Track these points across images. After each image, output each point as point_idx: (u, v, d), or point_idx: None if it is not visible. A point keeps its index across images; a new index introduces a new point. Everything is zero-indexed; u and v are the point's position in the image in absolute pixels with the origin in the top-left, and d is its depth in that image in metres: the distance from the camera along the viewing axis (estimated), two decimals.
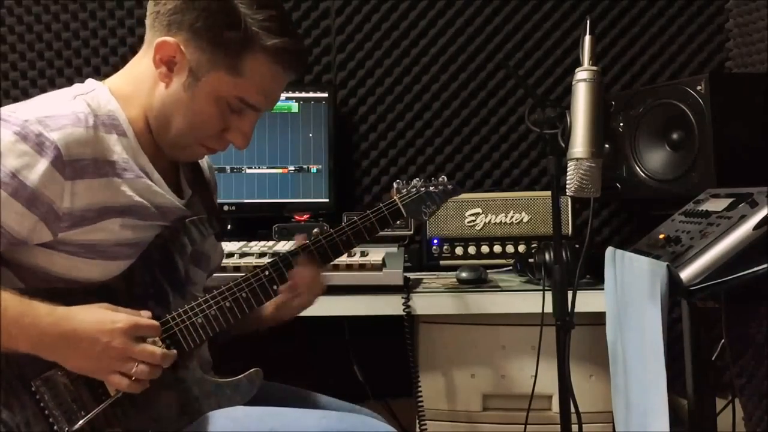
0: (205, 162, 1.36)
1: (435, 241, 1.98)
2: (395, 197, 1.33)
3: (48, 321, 1.00)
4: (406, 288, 1.62)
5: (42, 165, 1.00)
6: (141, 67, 1.15)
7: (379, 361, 2.03)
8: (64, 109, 1.06)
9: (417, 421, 1.70)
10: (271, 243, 1.79)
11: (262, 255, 1.63)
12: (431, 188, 1.36)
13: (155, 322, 1.10)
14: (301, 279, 1.24)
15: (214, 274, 1.36)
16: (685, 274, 1.21)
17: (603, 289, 1.49)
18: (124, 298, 1.10)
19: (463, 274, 1.72)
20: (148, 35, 1.15)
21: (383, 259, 1.61)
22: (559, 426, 1.38)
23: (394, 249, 1.78)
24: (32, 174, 1.00)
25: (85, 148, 1.04)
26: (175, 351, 1.10)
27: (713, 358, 1.39)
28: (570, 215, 1.98)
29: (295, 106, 2.10)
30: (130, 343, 1.03)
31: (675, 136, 1.75)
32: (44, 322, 1.00)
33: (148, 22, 1.15)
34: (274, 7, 1.13)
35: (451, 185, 1.39)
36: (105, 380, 1.05)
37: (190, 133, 1.15)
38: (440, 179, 1.39)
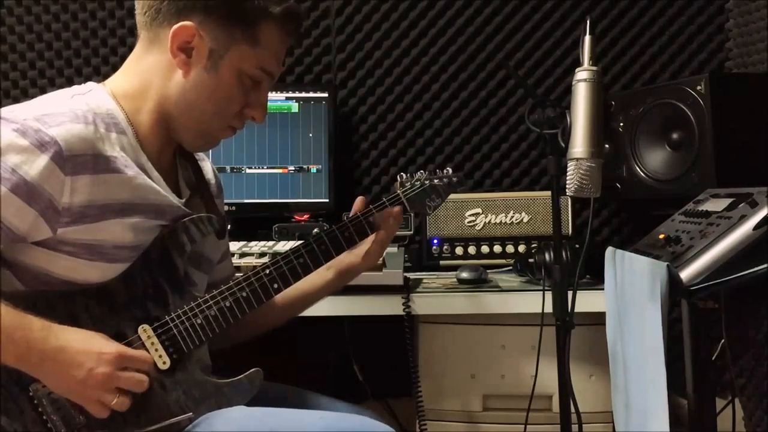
0: (208, 165, 1.36)
1: (435, 241, 1.98)
2: (399, 191, 1.32)
3: (38, 336, 1.00)
4: (406, 288, 1.62)
5: (42, 160, 1.00)
6: (146, 64, 1.16)
7: (379, 361, 2.03)
8: (61, 108, 1.06)
9: (417, 421, 1.70)
10: (271, 243, 1.79)
11: (262, 255, 1.63)
12: (435, 181, 1.34)
13: (147, 355, 1.09)
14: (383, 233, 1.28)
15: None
16: (685, 274, 1.21)
17: (603, 289, 1.49)
18: (123, 299, 1.11)
19: (463, 274, 1.72)
20: (148, 32, 1.16)
21: (383, 259, 1.60)
22: (559, 426, 1.38)
23: (394, 249, 1.78)
24: (32, 169, 1.00)
25: (85, 143, 1.04)
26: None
27: (713, 358, 1.39)
28: (570, 215, 1.98)
29: (295, 106, 2.10)
30: (115, 372, 1.03)
31: (675, 136, 1.75)
32: (35, 337, 1.00)
33: (146, 18, 1.15)
34: None
35: (456, 178, 1.37)
36: (85, 406, 1.04)
37: (216, 114, 1.17)
38: (445, 171, 1.37)
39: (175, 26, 1.11)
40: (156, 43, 1.15)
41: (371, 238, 1.30)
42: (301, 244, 1.25)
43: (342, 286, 1.40)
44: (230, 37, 1.13)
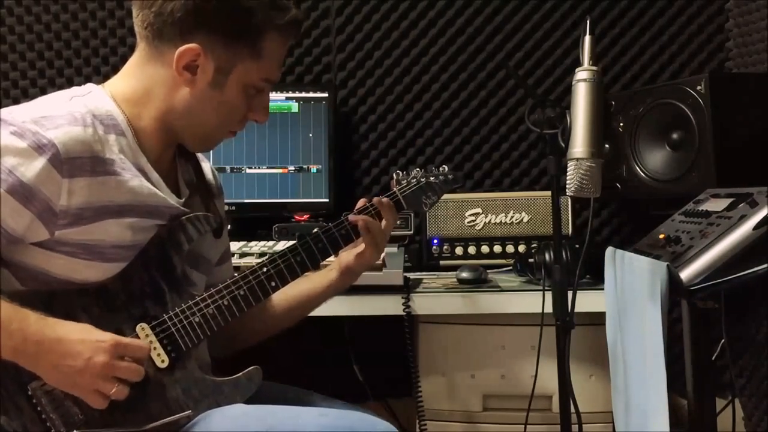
0: (208, 166, 1.36)
1: (435, 241, 1.98)
2: (395, 188, 1.32)
3: (34, 328, 1.00)
4: (406, 288, 1.62)
5: (39, 162, 1.01)
6: (148, 73, 1.14)
7: (379, 361, 2.03)
8: (60, 110, 1.06)
9: (417, 421, 1.70)
10: (271, 243, 1.79)
11: (262, 255, 1.63)
12: (431, 178, 1.34)
13: (144, 343, 1.09)
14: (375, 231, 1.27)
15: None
16: (685, 274, 1.21)
17: (603, 289, 1.49)
18: (121, 297, 1.11)
19: (463, 274, 1.72)
20: (149, 46, 1.13)
21: (383, 259, 1.60)
22: (559, 426, 1.38)
23: (394, 249, 1.78)
24: (29, 171, 1.00)
25: (83, 146, 1.04)
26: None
27: (713, 358, 1.39)
28: (570, 215, 1.98)
29: (295, 106, 2.10)
30: (113, 360, 1.03)
31: (675, 136, 1.75)
32: (31, 329, 1.00)
33: (147, 33, 1.13)
34: None
35: (452, 175, 1.37)
36: (83, 397, 1.04)
37: (222, 125, 1.19)
38: (441, 168, 1.37)
39: (181, 48, 1.10)
40: (158, 58, 1.13)
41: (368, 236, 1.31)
42: (298, 242, 1.24)
43: (345, 287, 1.40)
44: (235, 55, 1.13)
